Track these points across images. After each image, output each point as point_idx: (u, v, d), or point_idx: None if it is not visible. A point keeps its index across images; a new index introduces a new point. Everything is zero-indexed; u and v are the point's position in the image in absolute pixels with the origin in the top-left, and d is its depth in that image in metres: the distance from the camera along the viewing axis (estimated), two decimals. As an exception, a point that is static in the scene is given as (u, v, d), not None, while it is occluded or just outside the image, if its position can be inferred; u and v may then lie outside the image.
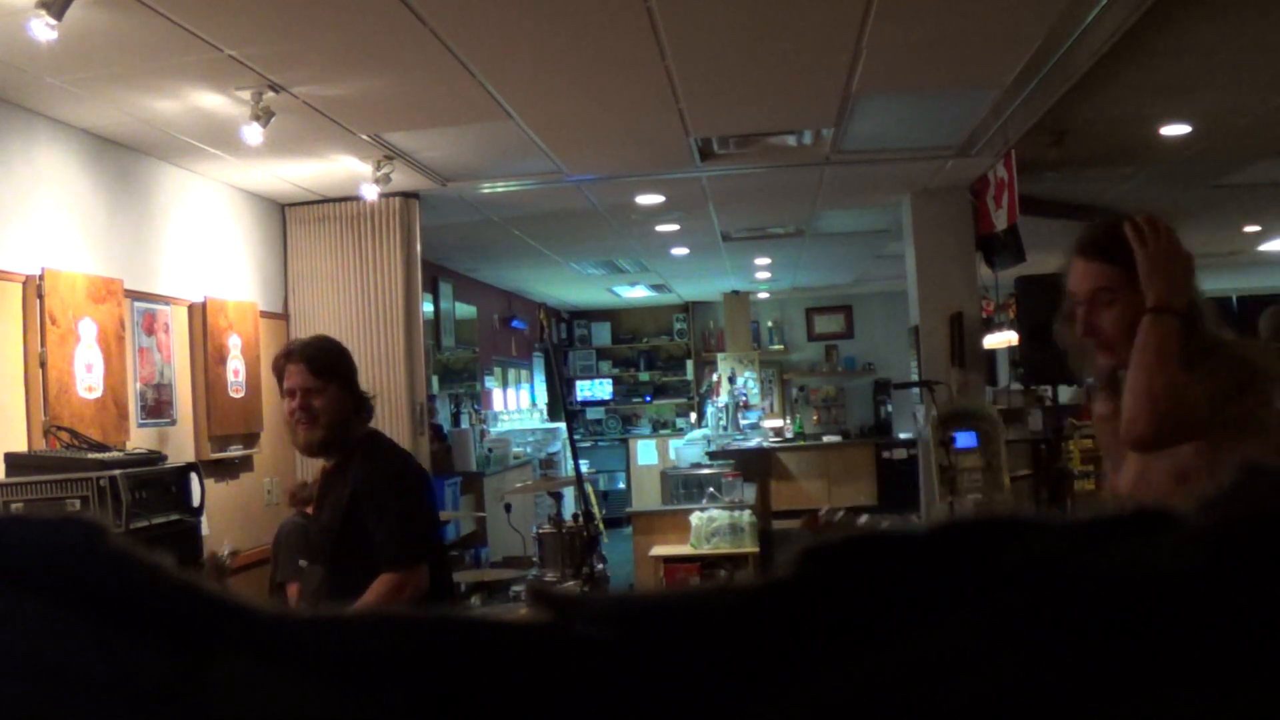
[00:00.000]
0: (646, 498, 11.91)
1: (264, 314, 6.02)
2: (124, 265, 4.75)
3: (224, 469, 5.50)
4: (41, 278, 4.12)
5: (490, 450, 9.18)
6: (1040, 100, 5.03)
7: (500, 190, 6.44)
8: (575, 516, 5.49)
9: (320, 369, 2.98)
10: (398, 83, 4.35)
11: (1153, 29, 4.24)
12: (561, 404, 9.44)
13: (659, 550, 7.13)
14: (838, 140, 5.68)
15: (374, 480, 2.94)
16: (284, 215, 6.40)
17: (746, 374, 12.71)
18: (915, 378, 6.98)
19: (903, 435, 12.42)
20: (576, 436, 12.52)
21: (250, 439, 5.77)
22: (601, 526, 7.73)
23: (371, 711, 0.36)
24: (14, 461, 3.79)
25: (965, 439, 6.46)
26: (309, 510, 4.19)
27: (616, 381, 14.46)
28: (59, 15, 3.13)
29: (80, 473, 3.69)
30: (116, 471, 3.70)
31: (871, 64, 4.38)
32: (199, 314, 5.32)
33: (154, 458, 4.10)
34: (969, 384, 6.74)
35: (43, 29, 3.13)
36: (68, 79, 3.93)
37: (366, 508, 2.89)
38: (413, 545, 2.91)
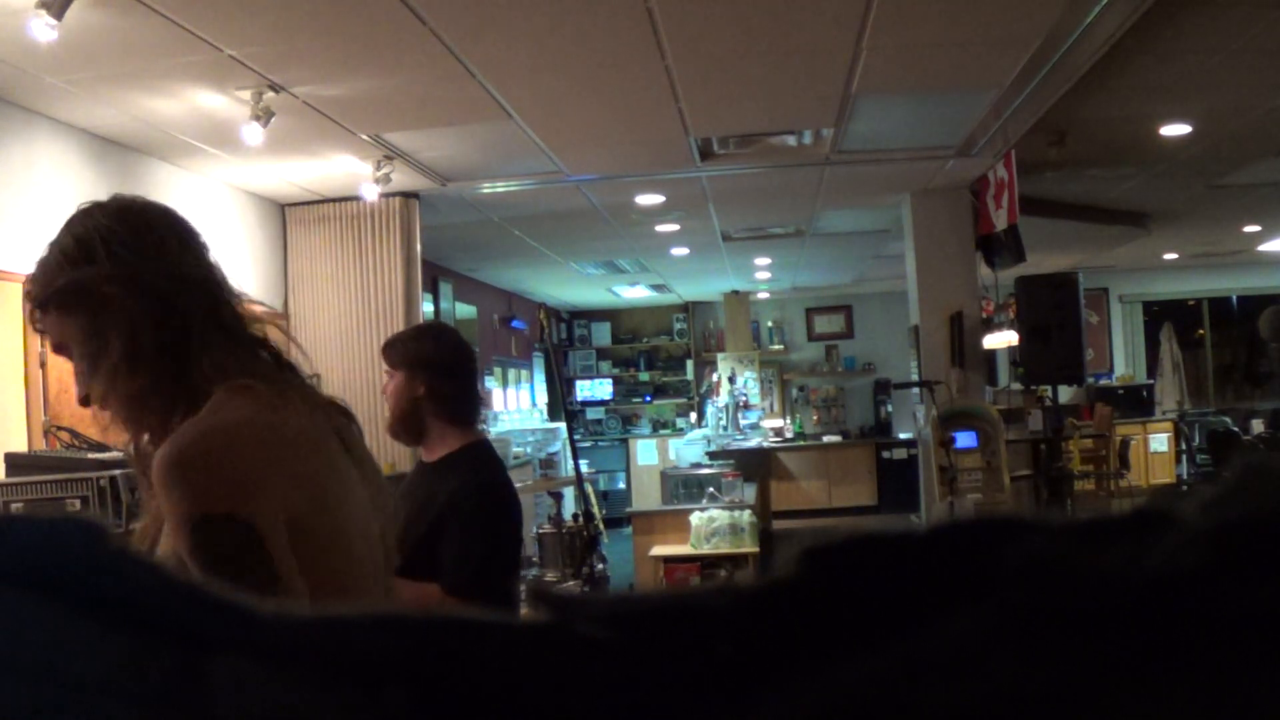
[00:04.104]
0: (646, 498, 11.91)
1: (264, 314, 6.02)
2: (124, 265, 4.75)
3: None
4: (41, 278, 4.12)
5: (490, 450, 9.17)
6: (1040, 100, 5.03)
7: (500, 190, 6.44)
8: (575, 516, 5.49)
9: (390, 357, 2.79)
10: (398, 83, 4.35)
11: (1153, 29, 4.24)
12: (561, 404, 9.44)
13: (659, 550, 7.13)
14: (838, 140, 5.68)
15: (467, 502, 2.69)
16: (284, 215, 6.40)
17: (746, 374, 12.71)
18: (915, 378, 6.98)
19: (903, 435, 12.44)
20: (576, 436, 12.52)
21: (250, 439, 5.77)
22: (601, 526, 7.73)
23: (371, 711, 0.36)
24: (14, 461, 3.79)
25: (965, 439, 6.47)
26: None
27: (616, 381, 14.46)
28: (59, 15, 3.13)
29: (80, 473, 3.69)
30: (116, 471, 3.70)
31: (871, 64, 4.38)
32: (199, 314, 5.32)
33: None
34: (969, 384, 6.74)
35: (43, 29, 3.13)
36: (68, 79, 3.93)
37: (450, 523, 2.66)
38: (482, 581, 2.63)
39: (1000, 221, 6.33)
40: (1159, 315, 13.23)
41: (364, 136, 5.05)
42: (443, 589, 2.62)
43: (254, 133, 4.26)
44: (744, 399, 12.28)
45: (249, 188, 5.95)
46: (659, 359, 14.56)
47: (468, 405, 2.83)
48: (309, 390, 1.41)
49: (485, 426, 9.79)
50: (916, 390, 6.88)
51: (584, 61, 4.25)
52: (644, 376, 14.49)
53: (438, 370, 2.74)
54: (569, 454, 9.14)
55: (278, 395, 1.34)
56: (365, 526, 1.41)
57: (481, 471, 2.79)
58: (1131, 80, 5.06)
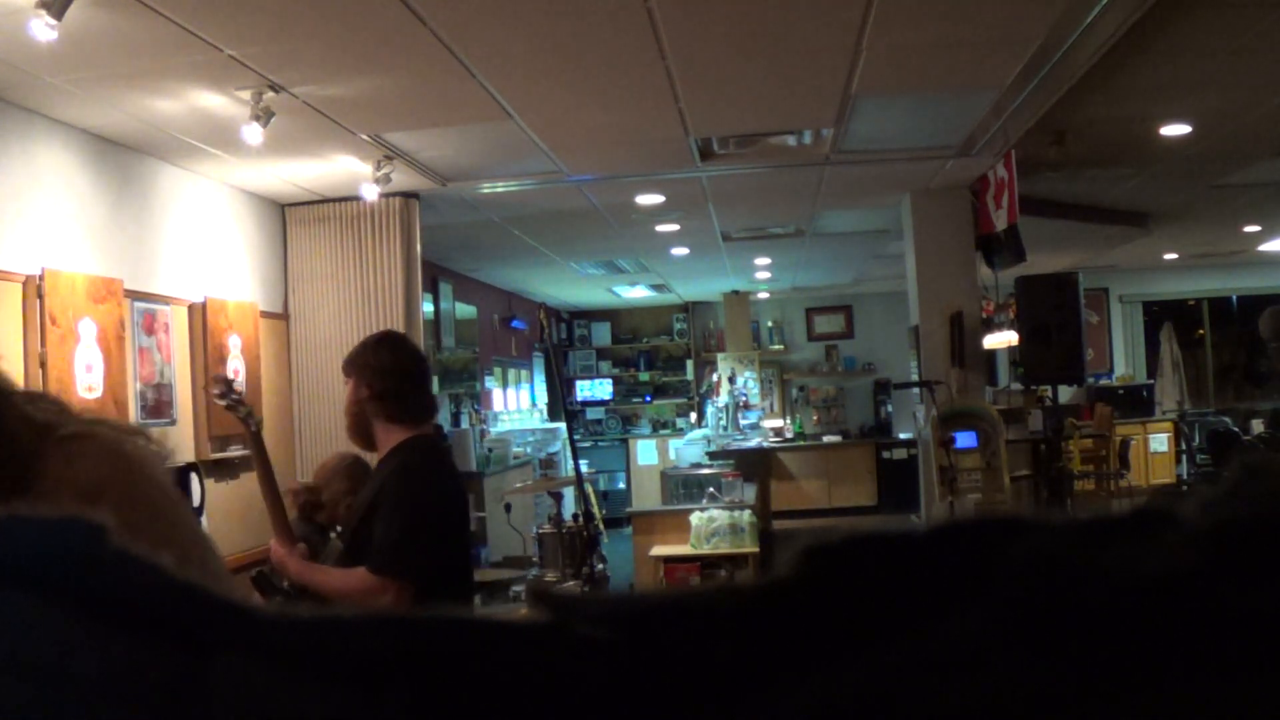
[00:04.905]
0: (646, 498, 11.91)
1: (264, 314, 6.02)
2: (124, 265, 4.75)
3: (224, 469, 5.50)
4: (41, 278, 4.12)
5: (490, 450, 9.19)
6: (1040, 100, 5.03)
7: (500, 190, 6.44)
8: (575, 516, 5.49)
9: (344, 368, 3.00)
10: (398, 83, 4.35)
11: (1153, 29, 4.24)
12: (561, 404, 9.45)
13: (659, 550, 7.13)
14: (838, 140, 5.68)
15: (391, 486, 2.87)
16: (284, 215, 6.40)
17: (746, 374, 12.71)
18: (915, 378, 6.98)
19: (903, 435, 12.44)
20: (576, 436, 12.52)
21: (250, 439, 5.77)
22: (601, 526, 7.73)
23: (371, 711, 0.36)
24: (14, 461, 3.79)
25: (965, 439, 6.47)
26: (316, 519, 4.15)
27: (616, 381, 14.46)
28: (59, 15, 3.13)
29: (80, 473, 3.68)
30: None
31: (871, 64, 4.38)
32: (199, 314, 5.32)
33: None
34: (969, 384, 6.74)
35: (43, 29, 3.13)
36: (68, 79, 3.93)
37: (378, 509, 2.84)
38: (403, 558, 2.77)
39: (1000, 221, 6.33)
40: (1159, 315, 13.24)
41: (364, 136, 5.05)
42: (368, 569, 2.76)
43: (254, 133, 4.26)
44: (744, 399, 12.28)
45: (249, 188, 5.95)
46: (659, 359, 14.57)
47: (406, 405, 2.95)
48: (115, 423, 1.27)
49: (485, 426, 9.79)
50: (916, 390, 6.89)
51: (584, 61, 4.25)
52: (644, 376, 14.49)
53: (377, 374, 2.91)
54: (569, 454, 9.14)
55: (118, 432, 1.21)
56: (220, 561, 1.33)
57: (410, 458, 2.91)
58: (1131, 80, 5.06)
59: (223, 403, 3.19)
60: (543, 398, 13.23)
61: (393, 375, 2.91)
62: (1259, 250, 11.40)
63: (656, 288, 12.43)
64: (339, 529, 3.13)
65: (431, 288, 8.95)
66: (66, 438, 1.14)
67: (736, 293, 12.85)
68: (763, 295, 13.61)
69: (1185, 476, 11.87)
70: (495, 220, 7.38)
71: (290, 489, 5.44)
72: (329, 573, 2.94)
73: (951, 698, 0.33)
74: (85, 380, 4.32)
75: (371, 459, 3.32)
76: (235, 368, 5.56)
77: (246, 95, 4.20)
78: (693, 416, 13.72)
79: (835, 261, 10.69)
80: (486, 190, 6.43)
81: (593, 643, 0.36)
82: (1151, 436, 12.27)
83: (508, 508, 6.26)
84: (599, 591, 3.98)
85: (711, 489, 7.89)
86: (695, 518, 7.06)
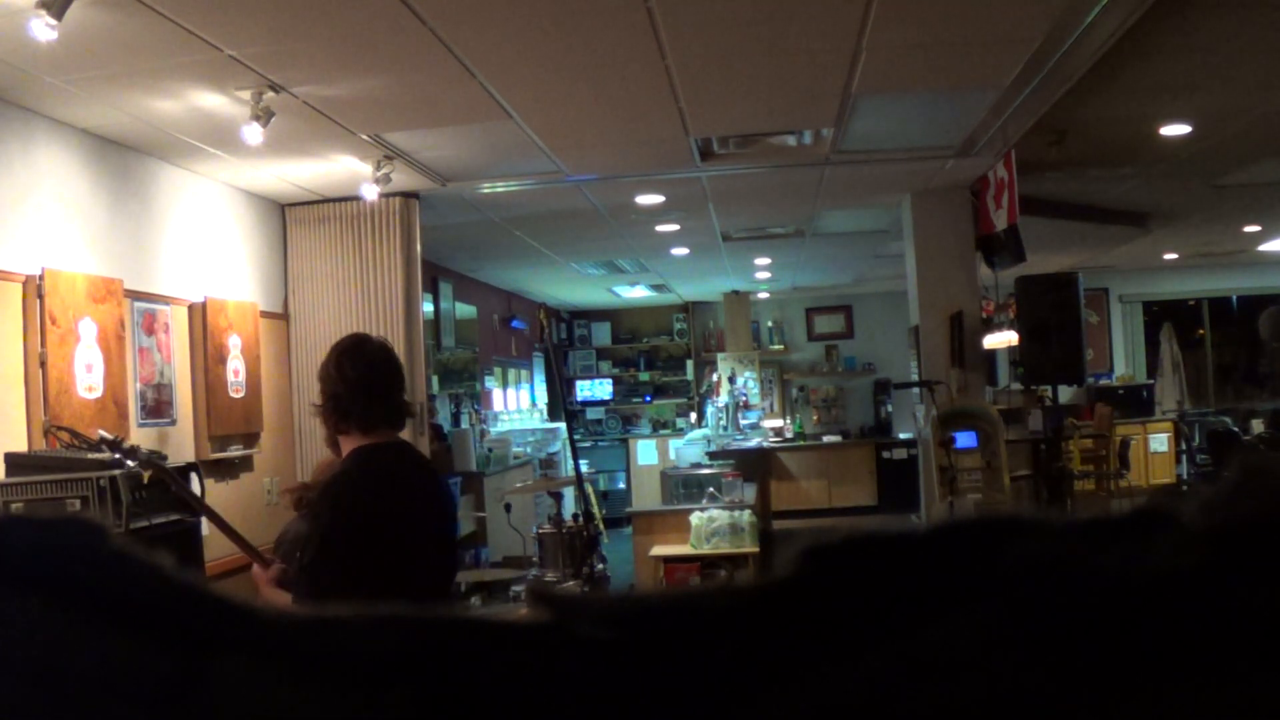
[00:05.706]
0: (646, 498, 11.91)
1: (264, 314, 6.02)
2: (124, 265, 4.75)
3: (224, 469, 5.50)
4: (41, 278, 4.12)
5: (490, 450, 9.19)
6: (1040, 100, 5.03)
7: (500, 190, 6.44)
8: (575, 516, 5.49)
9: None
10: (398, 83, 4.35)
11: (1152, 29, 4.24)
12: (561, 404, 9.44)
13: (659, 550, 7.13)
14: (838, 140, 5.68)
15: (314, 505, 2.87)
16: (284, 215, 6.40)
17: (746, 374, 12.71)
18: (915, 378, 6.98)
19: (903, 435, 12.44)
20: (576, 436, 12.52)
21: (250, 439, 5.77)
22: (601, 526, 7.73)
23: (371, 711, 0.36)
24: (14, 461, 3.79)
25: (965, 439, 6.46)
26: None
27: (616, 381, 14.46)
28: (59, 15, 3.13)
29: (80, 473, 3.69)
30: (116, 471, 3.70)
31: (871, 64, 4.38)
32: (199, 314, 5.32)
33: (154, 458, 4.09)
34: (969, 384, 6.74)
35: (43, 29, 3.13)
36: (68, 79, 3.93)
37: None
38: (312, 583, 2.65)
39: (1000, 221, 6.33)
40: (1159, 315, 13.23)
41: (364, 136, 5.05)
42: (292, 594, 2.75)
43: (254, 133, 4.26)
44: (744, 399, 12.28)
45: (249, 188, 5.95)
46: (659, 359, 14.56)
47: (350, 415, 2.85)
48: None
49: (485, 426, 9.78)
50: (916, 390, 6.88)
51: (584, 61, 4.25)
52: (644, 376, 14.49)
53: (325, 382, 2.87)
54: (569, 454, 9.14)
55: None
56: None
57: (338, 474, 2.85)
58: (1131, 80, 5.06)
59: (126, 460, 3.33)
60: (543, 398, 13.23)
61: (339, 383, 2.82)
62: (1259, 250, 11.39)
63: (656, 288, 12.43)
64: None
65: (431, 288, 8.95)
66: None
67: (736, 293, 12.85)
68: (763, 295, 13.60)
69: (1185, 476, 11.87)
70: (495, 220, 7.38)
71: (288, 488, 5.45)
72: (279, 595, 2.91)
73: (951, 698, 0.33)
74: (85, 380, 4.32)
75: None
76: (235, 368, 5.56)
77: (246, 95, 4.20)
78: (693, 416, 13.71)
79: (835, 261, 10.69)
80: (486, 190, 6.43)
81: (593, 643, 0.36)
82: (1151, 436, 12.27)
83: (508, 508, 6.26)
84: (599, 591, 3.98)
85: (711, 489, 7.89)
86: (695, 518, 7.06)
